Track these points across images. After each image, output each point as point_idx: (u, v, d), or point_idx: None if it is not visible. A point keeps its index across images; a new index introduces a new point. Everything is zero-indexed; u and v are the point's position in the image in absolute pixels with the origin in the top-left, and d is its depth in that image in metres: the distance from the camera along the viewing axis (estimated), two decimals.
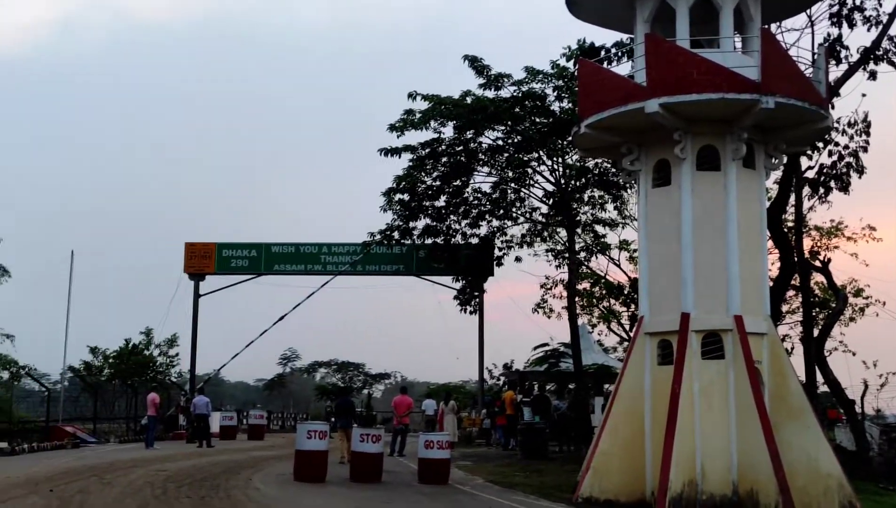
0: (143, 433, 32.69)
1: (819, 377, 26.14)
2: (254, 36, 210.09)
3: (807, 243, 29.56)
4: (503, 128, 30.82)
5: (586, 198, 32.81)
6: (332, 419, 28.33)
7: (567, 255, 32.52)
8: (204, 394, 33.69)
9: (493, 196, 33.20)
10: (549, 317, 37.40)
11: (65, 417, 37.36)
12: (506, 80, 30.02)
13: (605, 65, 19.78)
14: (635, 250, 34.37)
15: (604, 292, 36.92)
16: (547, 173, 31.68)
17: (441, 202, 33.19)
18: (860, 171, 24.32)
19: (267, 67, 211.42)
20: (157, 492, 16.78)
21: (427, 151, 31.63)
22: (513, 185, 32.92)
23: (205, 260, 42.29)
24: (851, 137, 24.15)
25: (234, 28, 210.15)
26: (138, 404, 40.58)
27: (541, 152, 31.03)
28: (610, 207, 33.04)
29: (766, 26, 18.73)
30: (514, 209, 33.70)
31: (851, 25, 22.90)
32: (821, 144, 23.83)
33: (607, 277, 35.58)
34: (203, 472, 20.81)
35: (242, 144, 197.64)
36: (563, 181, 31.36)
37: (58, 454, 27.27)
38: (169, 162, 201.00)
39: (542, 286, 37.20)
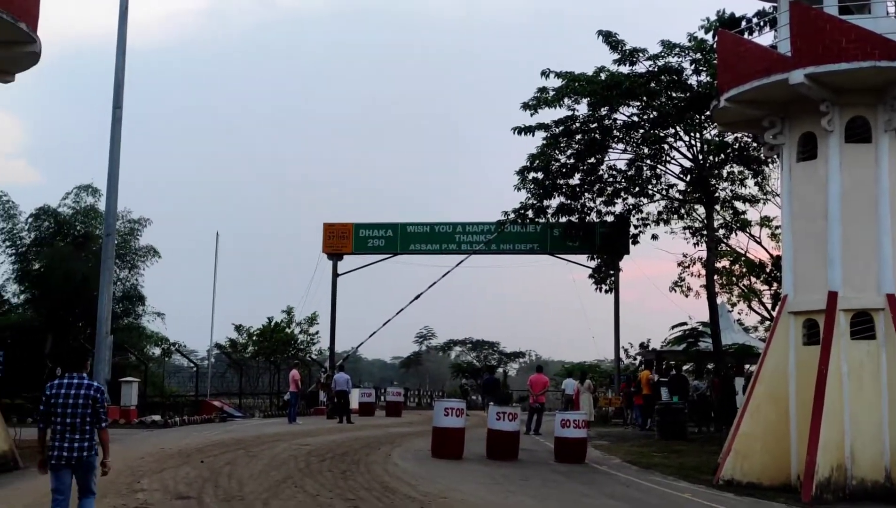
0: (285, 409, 33.82)
1: None
2: (384, 18, 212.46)
3: None
4: (638, 104, 30.23)
5: (725, 174, 31.87)
6: (475, 397, 28.55)
7: (705, 232, 31.73)
8: (344, 371, 34.54)
9: (629, 173, 32.66)
10: (686, 296, 36.77)
11: (212, 392, 39.01)
12: (641, 55, 29.41)
13: (745, 36, 19.13)
14: (777, 227, 33.30)
15: (744, 270, 35.93)
16: (684, 149, 30.93)
17: (575, 180, 32.86)
18: None
19: (399, 48, 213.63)
20: (301, 465, 17.34)
21: (561, 128, 31.33)
22: (648, 161, 32.29)
23: (343, 240, 43.28)
24: None
25: (366, 4, 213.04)
26: (280, 380, 41.99)
27: (677, 128, 30.31)
28: (750, 182, 32.03)
29: None
30: (649, 186, 33.07)
31: None
32: None
33: (748, 254, 34.60)
34: (343, 447, 21.38)
35: (377, 124, 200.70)
36: (700, 157, 30.55)
37: (207, 427, 28.51)
38: (309, 143, 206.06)
39: (679, 264, 36.55)
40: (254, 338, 50.10)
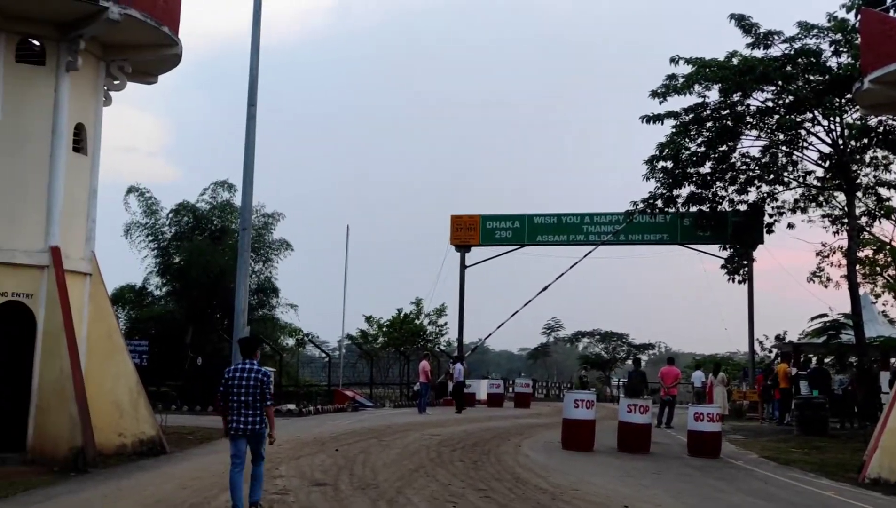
0: (415, 399, 34.25)
1: None
2: (505, 10, 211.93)
3: None
4: (773, 88, 29.25)
5: (868, 159, 30.50)
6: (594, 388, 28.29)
7: (846, 220, 30.43)
8: (461, 363, 34.92)
9: (763, 161, 31.63)
10: (826, 287, 35.41)
11: (344, 382, 39.84)
12: (776, 37, 28.46)
13: (891, 13, 18.24)
14: None
15: (889, 259, 34.30)
16: (822, 134, 29.75)
17: (706, 169, 32.04)
18: None
19: (522, 40, 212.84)
20: (432, 455, 17.52)
21: (691, 116, 30.62)
22: (784, 148, 31.19)
23: (470, 232, 43.50)
24: None
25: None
26: (410, 371, 42.54)
27: (815, 112, 29.17)
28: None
29: None
30: (785, 174, 31.96)
31: None
32: None
33: (893, 243, 33.01)
34: (474, 437, 21.50)
35: (501, 117, 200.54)
36: (841, 142, 29.33)
37: (339, 416, 29.14)
38: (435, 136, 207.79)
39: (817, 254, 35.22)
40: (384, 329, 50.91)
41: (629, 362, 70.69)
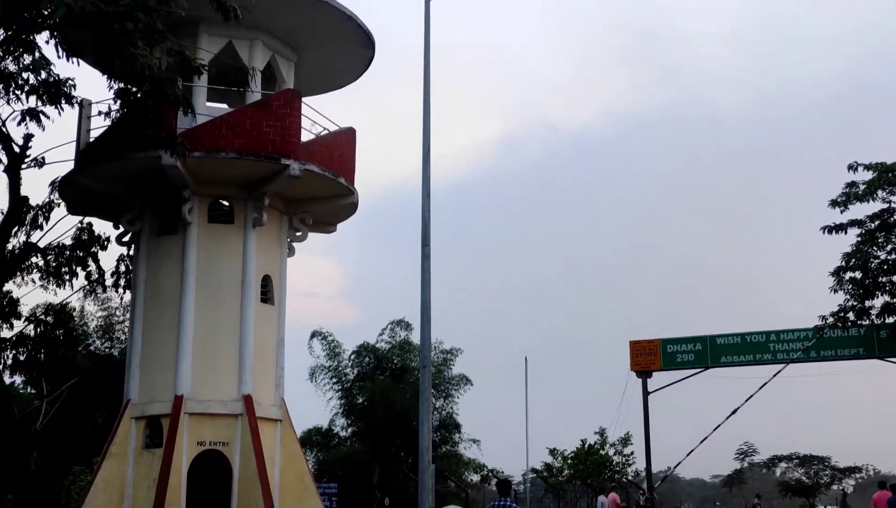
0: None
1: None
2: (671, 126, 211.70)
3: None
4: None
5: None
6: None
7: None
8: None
9: None
10: None
11: None
12: None
13: None
14: None
15: None
16: None
17: None
18: None
19: (688, 156, 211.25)
20: None
21: (877, 223, 29.25)
22: None
23: (650, 357, 42.41)
24: None
25: (651, 118, 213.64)
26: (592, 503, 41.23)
27: None
28: None
29: None
30: None
31: None
32: None
33: None
34: None
35: (666, 240, 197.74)
36: None
37: None
38: (609, 262, 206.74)
39: None
40: (568, 461, 49.84)
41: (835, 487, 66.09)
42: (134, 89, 14.87)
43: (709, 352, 41.50)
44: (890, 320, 31.76)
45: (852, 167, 28.61)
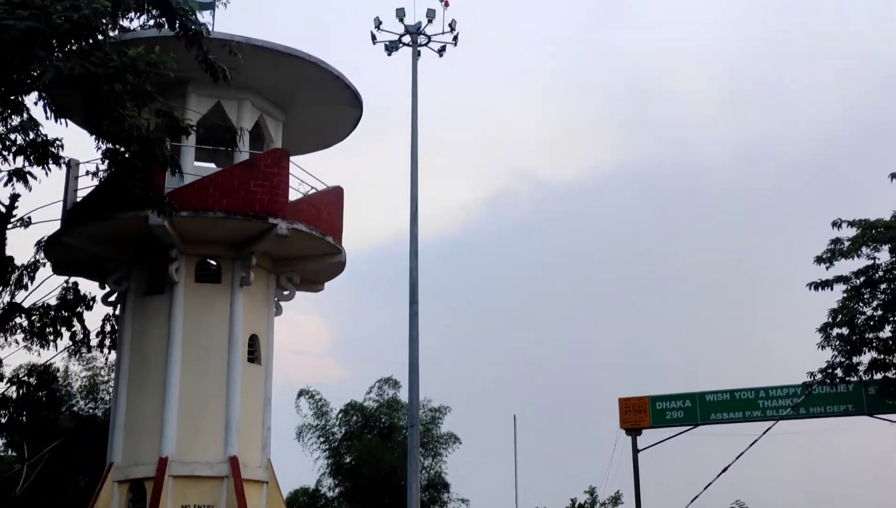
0: None
1: None
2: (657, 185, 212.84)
3: None
4: None
5: None
6: None
7: None
8: None
9: None
10: None
11: None
12: None
13: None
14: None
15: None
16: None
17: (887, 333, 30.33)
18: None
19: (678, 220, 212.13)
20: None
21: (862, 279, 29.37)
22: None
23: (640, 414, 42.17)
24: None
25: (635, 178, 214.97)
26: None
27: None
28: None
29: None
30: None
31: None
32: None
33: None
34: None
35: (657, 297, 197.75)
36: None
37: None
38: (597, 318, 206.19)
39: None
40: None
41: None
42: (122, 150, 14.88)
43: (698, 409, 41.35)
44: (878, 376, 31.76)
45: (836, 224, 28.78)
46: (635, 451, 42.39)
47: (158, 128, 14.78)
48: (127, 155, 14.77)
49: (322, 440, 38.14)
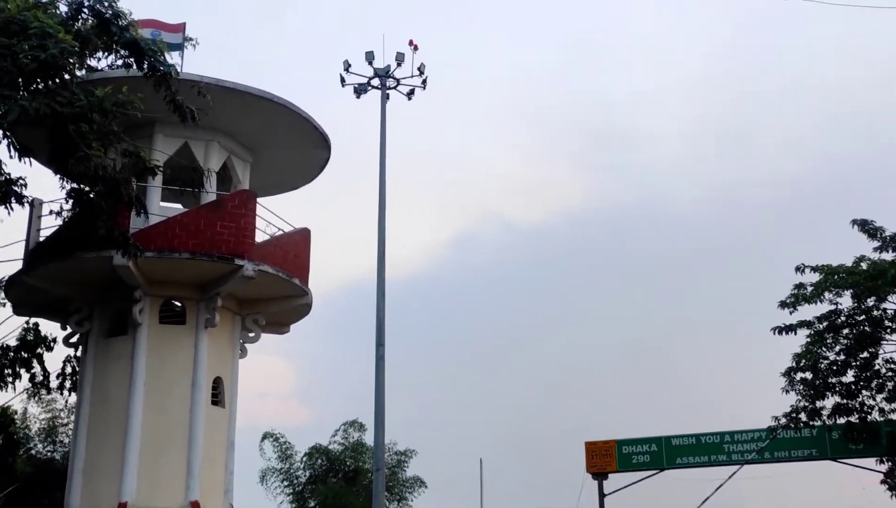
0: None
1: None
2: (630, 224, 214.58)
3: None
4: None
5: None
6: None
7: None
8: None
9: None
10: None
11: None
12: None
13: None
14: None
15: None
16: None
17: (849, 377, 30.58)
18: None
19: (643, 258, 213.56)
20: None
21: (825, 324, 29.67)
22: None
23: (606, 458, 42.09)
24: None
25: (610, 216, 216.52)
26: None
27: None
28: None
29: None
30: None
31: None
32: None
33: None
34: None
35: (622, 334, 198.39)
36: None
37: None
38: (561, 363, 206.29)
39: None
40: None
41: None
42: (87, 189, 14.76)
43: (664, 453, 41.36)
44: (841, 420, 31.96)
45: (800, 269, 29.12)
46: (601, 495, 42.21)
47: (125, 168, 14.70)
48: (92, 195, 14.64)
49: (286, 483, 37.66)
